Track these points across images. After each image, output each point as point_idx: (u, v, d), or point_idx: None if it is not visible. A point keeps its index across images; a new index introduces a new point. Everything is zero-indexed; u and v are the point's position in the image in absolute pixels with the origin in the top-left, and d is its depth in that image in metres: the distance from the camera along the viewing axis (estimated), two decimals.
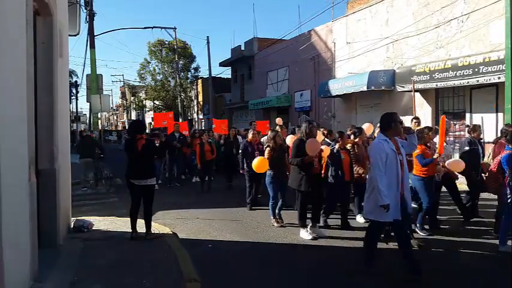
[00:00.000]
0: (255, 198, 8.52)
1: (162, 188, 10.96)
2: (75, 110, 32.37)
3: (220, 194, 10.39)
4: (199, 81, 37.03)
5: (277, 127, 9.85)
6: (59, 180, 5.42)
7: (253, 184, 8.51)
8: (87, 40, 16.72)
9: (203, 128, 27.21)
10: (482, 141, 7.74)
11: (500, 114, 10.86)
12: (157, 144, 9.31)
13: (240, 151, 8.95)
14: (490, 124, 11.37)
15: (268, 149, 7.24)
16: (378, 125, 4.89)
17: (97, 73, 16.23)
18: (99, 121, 18.33)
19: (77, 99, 30.12)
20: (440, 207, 6.93)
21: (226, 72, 40.15)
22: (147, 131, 13.42)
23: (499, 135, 7.69)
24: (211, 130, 14.13)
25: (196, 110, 38.05)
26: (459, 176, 7.06)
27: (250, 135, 8.97)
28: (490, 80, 10.53)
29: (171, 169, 12.42)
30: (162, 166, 12.07)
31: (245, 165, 8.50)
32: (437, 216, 6.66)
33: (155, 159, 7.02)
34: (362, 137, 7.21)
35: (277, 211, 7.06)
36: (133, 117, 57.67)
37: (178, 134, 12.58)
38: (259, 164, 7.04)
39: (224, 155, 11.72)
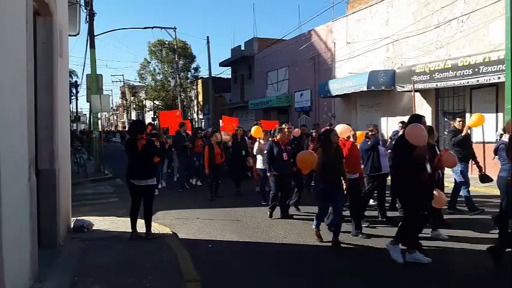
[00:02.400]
0: (286, 206, 7.61)
1: (164, 189, 10.95)
2: (75, 110, 32.30)
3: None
4: (199, 81, 37.06)
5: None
6: (59, 181, 5.42)
7: (279, 190, 7.55)
8: (87, 40, 16.66)
9: (202, 127, 27.16)
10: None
11: (500, 114, 10.86)
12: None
13: (265, 152, 7.94)
14: (490, 124, 11.36)
15: (320, 150, 5.66)
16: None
17: (97, 73, 16.16)
18: (99, 121, 18.26)
19: (77, 99, 29.98)
20: None
21: (226, 72, 40.16)
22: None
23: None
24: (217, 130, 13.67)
25: (196, 110, 38.09)
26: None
27: (279, 135, 7.81)
28: (490, 80, 10.53)
29: (183, 172, 11.66)
30: (165, 168, 11.66)
31: (272, 168, 7.56)
32: None
33: (156, 162, 6.92)
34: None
35: (323, 222, 6.04)
36: (133, 117, 57.70)
37: (186, 133, 11.78)
38: (306, 160, 5.44)
39: (232, 157, 10.92)
